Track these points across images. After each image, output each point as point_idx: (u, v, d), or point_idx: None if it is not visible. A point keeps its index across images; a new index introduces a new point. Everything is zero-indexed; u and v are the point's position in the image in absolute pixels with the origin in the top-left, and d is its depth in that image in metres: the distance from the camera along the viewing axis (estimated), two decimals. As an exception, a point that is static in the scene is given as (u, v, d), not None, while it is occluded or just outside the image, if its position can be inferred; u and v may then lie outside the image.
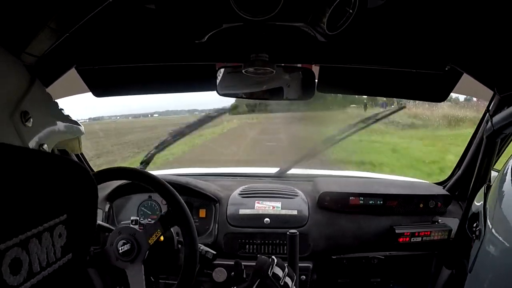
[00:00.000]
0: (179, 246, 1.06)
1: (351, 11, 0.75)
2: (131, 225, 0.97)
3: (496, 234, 0.65)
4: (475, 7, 0.77)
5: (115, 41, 0.98)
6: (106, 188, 1.37)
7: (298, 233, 0.98)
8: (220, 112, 2.10)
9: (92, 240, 0.47)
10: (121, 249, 0.93)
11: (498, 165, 1.23)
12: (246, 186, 1.44)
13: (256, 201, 1.34)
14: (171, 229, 1.05)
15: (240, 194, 1.38)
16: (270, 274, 0.83)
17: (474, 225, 0.81)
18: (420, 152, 5.69)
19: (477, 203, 0.87)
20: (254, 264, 0.85)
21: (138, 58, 1.05)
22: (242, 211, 1.31)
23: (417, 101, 3.45)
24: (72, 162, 0.43)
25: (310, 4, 0.79)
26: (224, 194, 1.38)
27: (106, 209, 1.34)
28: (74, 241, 0.40)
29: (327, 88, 1.18)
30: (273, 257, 0.88)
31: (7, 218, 0.32)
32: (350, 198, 1.33)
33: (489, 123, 1.04)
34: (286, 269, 0.87)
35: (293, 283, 0.87)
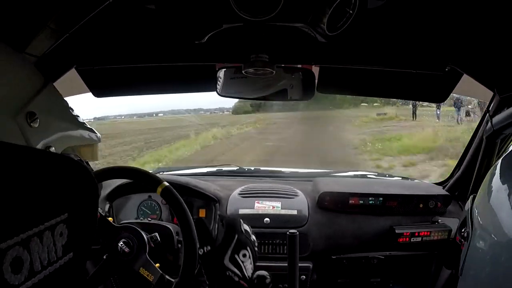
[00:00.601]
0: (179, 246, 1.06)
1: (351, 11, 0.76)
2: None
3: (485, 232, 0.65)
4: (475, 7, 0.77)
5: (115, 42, 0.98)
6: (106, 188, 1.37)
7: (298, 233, 0.98)
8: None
9: (93, 239, 0.47)
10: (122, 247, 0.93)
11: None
12: (246, 186, 1.44)
13: (256, 201, 1.34)
14: (171, 229, 1.05)
15: (240, 194, 1.38)
16: (243, 230, 0.93)
17: (463, 229, 0.81)
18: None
19: (466, 208, 0.88)
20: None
21: (138, 59, 1.05)
22: (242, 211, 1.31)
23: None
24: (72, 161, 0.43)
25: (310, 5, 0.79)
26: (224, 194, 1.38)
27: (106, 209, 1.34)
28: (75, 240, 0.40)
29: (327, 88, 1.18)
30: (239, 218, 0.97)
31: (8, 217, 0.32)
32: (350, 198, 1.32)
33: (489, 124, 1.04)
34: (250, 226, 0.98)
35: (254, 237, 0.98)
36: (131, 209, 1.38)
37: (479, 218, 0.70)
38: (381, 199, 1.33)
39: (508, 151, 0.71)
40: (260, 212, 1.30)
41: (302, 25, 0.85)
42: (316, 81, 1.11)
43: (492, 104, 1.16)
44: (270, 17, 0.77)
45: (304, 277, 1.26)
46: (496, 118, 1.01)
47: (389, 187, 1.40)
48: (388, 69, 1.08)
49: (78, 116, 0.75)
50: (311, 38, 0.91)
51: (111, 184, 1.37)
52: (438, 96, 1.16)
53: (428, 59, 1.02)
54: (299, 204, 1.35)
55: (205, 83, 1.11)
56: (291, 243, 0.97)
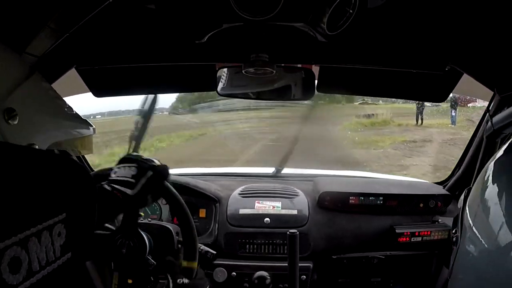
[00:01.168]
0: (179, 246, 1.06)
1: (351, 11, 0.76)
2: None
3: (474, 236, 0.65)
4: (475, 7, 0.77)
5: (115, 41, 0.98)
6: None
7: (298, 233, 0.97)
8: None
9: (91, 239, 0.47)
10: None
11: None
12: (246, 186, 1.44)
13: (256, 201, 1.34)
14: (171, 229, 1.05)
15: (240, 194, 1.38)
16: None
17: (453, 231, 0.81)
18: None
19: (458, 205, 0.88)
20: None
21: (138, 58, 1.05)
22: (242, 211, 1.31)
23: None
24: (71, 162, 0.43)
25: (310, 4, 0.79)
26: (224, 194, 1.38)
27: None
28: (73, 240, 0.40)
29: (327, 88, 1.19)
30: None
31: (6, 217, 0.31)
32: (350, 197, 1.32)
33: (489, 123, 1.04)
34: None
35: None
36: None
37: (470, 220, 0.70)
38: (382, 198, 1.33)
39: (500, 153, 0.70)
40: (260, 212, 1.30)
41: (302, 25, 0.85)
42: (316, 80, 1.11)
43: (492, 104, 1.16)
44: (270, 17, 0.77)
45: (305, 277, 1.26)
46: (496, 118, 1.01)
47: (390, 187, 1.40)
48: (388, 68, 1.08)
49: (70, 107, 0.71)
50: (311, 38, 0.90)
51: None
52: (438, 95, 1.16)
53: (428, 58, 1.02)
54: (299, 204, 1.35)
55: (205, 82, 1.11)
56: (291, 243, 0.97)
